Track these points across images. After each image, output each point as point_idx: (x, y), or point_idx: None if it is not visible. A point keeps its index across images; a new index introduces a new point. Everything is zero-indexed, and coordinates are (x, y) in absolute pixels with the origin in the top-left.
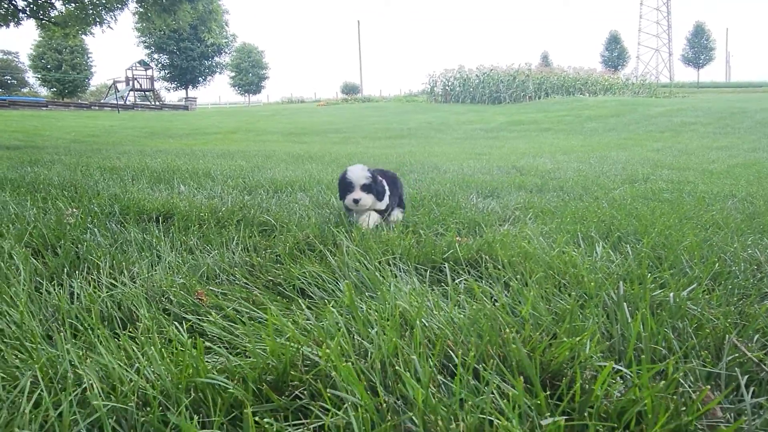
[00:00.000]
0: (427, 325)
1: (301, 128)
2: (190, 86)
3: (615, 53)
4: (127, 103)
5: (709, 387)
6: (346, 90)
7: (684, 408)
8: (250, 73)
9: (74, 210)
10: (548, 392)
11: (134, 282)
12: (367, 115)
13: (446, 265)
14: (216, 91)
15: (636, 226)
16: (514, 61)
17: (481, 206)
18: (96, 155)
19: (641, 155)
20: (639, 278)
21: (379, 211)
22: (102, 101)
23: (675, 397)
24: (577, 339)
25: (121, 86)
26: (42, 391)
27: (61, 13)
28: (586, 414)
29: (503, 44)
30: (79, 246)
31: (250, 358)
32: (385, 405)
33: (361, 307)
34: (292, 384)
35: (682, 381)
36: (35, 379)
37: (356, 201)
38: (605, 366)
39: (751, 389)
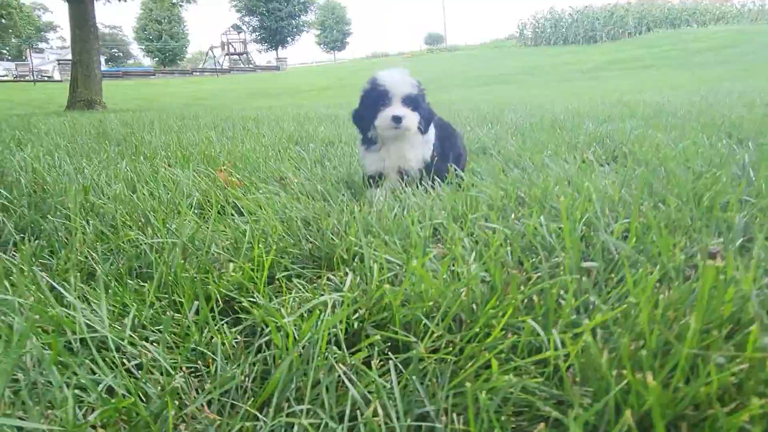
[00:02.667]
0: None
1: None
2: (280, 47)
3: None
4: (224, 67)
5: None
6: (430, 41)
7: None
8: (334, 30)
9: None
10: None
11: None
12: (455, 64)
13: (592, 154)
14: (303, 50)
15: (755, 132)
16: None
17: (600, 129)
18: (219, 112)
19: (760, 85)
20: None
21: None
22: (201, 67)
23: None
24: (720, 172)
25: (217, 51)
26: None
27: None
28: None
29: None
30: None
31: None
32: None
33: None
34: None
35: None
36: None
37: (397, 119)
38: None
39: None
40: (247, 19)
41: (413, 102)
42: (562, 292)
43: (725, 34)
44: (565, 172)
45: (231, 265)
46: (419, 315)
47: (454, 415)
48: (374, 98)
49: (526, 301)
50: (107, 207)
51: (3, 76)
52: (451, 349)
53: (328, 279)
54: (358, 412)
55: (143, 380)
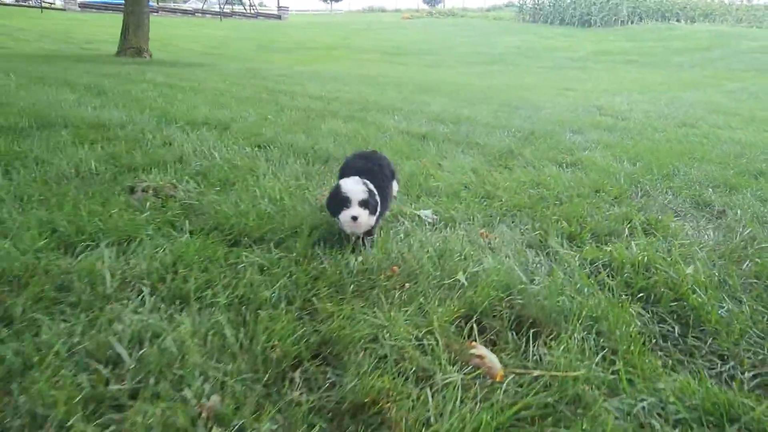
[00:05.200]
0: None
1: (395, 47)
2: None
3: None
4: (225, 10)
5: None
6: (429, 0)
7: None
8: None
9: None
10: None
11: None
12: (454, 35)
13: (564, 164)
14: None
15: (647, 155)
16: None
17: (573, 141)
18: (261, 78)
19: (710, 98)
20: (633, 174)
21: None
22: (203, 8)
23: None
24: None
25: None
26: None
27: None
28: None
29: None
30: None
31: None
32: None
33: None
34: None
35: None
36: None
37: (354, 218)
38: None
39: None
40: None
41: (365, 204)
42: None
43: (706, 35)
44: (544, 172)
45: None
46: None
47: None
48: (338, 201)
49: None
50: None
51: None
52: None
53: None
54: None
55: None
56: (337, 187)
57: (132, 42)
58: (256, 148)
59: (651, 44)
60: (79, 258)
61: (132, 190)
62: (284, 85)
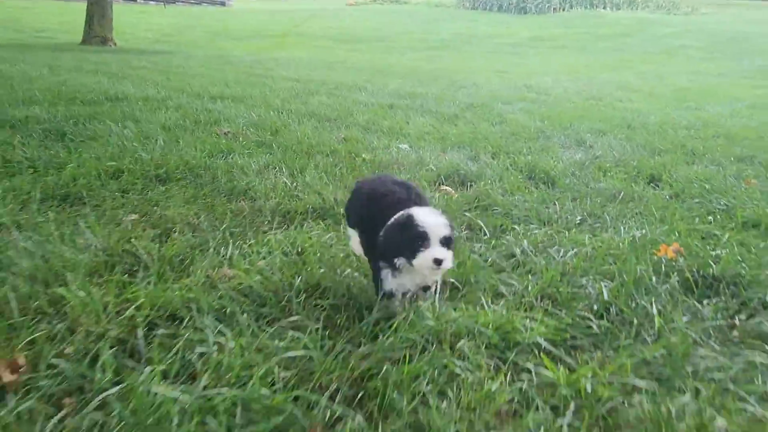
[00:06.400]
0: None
1: (347, 34)
2: None
3: None
4: None
5: None
6: None
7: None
8: None
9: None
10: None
11: None
12: (401, 22)
13: (494, 122)
14: None
15: (554, 117)
16: None
17: (503, 109)
18: (233, 64)
19: (622, 78)
20: (540, 127)
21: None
22: None
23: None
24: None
25: None
26: None
27: None
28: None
29: None
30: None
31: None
32: None
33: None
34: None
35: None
36: None
37: (438, 262)
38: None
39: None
40: None
41: (447, 242)
42: None
43: (629, 21)
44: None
45: None
46: None
47: None
48: (412, 238)
49: None
50: None
51: None
52: None
53: None
54: None
55: None
56: (409, 219)
57: (97, 31)
58: (275, 113)
59: (580, 30)
60: (226, 159)
61: (216, 134)
62: (258, 70)
